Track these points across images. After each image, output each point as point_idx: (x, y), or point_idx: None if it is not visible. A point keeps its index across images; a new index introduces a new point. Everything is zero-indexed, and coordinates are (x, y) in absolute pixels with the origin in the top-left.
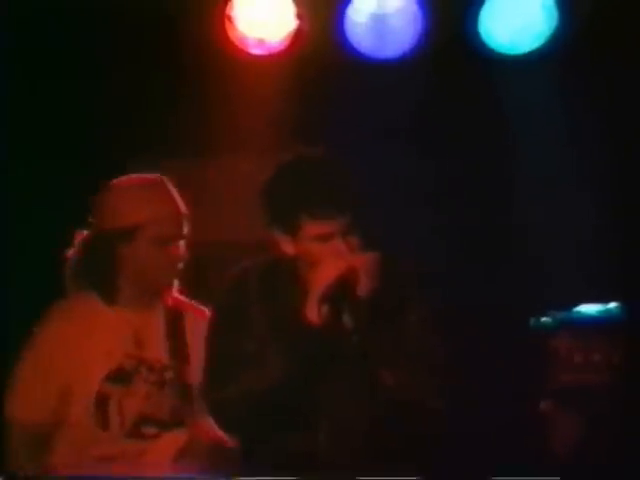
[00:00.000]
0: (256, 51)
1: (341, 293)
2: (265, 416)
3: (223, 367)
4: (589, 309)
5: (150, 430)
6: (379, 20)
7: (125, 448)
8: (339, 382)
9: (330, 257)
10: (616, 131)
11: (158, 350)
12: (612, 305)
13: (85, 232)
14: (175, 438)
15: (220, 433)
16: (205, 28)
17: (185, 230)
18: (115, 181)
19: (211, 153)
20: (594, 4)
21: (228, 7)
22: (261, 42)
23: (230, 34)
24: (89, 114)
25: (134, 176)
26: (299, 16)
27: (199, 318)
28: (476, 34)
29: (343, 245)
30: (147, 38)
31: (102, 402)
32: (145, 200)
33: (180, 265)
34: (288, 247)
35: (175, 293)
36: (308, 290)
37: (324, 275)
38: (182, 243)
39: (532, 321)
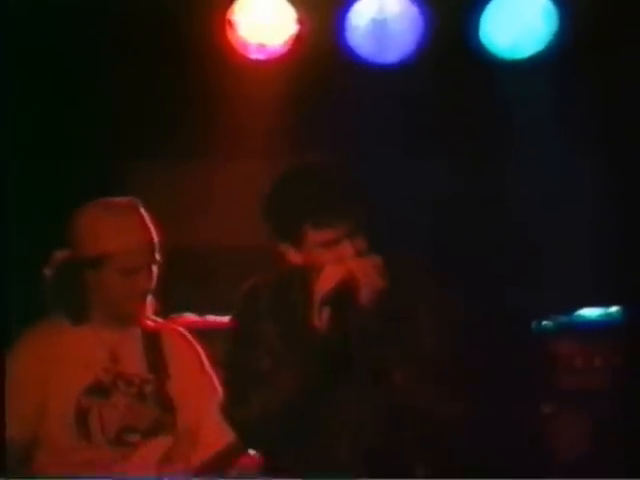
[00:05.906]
0: (257, 56)
1: (342, 297)
2: (287, 430)
3: (241, 385)
4: (590, 313)
5: (134, 438)
6: (380, 24)
7: (109, 455)
8: (346, 387)
9: (331, 262)
10: (617, 134)
11: (136, 365)
12: (613, 309)
13: (62, 253)
14: (160, 443)
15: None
16: (206, 33)
17: (157, 257)
18: (87, 206)
19: (212, 157)
20: (594, 8)
21: (229, 12)
22: (262, 47)
23: (231, 39)
24: (89, 117)
25: (107, 200)
26: (300, 21)
27: (175, 335)
28: (477, 39)
29: (350, 248)
30: (148, 44)
31: (82, 415)
32: (115, 229)
33: (149, 291)
34: (295, 257)
35: (150, 314)
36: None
37: (325, 280)
38: (154, 267)
39: (534, 325)
